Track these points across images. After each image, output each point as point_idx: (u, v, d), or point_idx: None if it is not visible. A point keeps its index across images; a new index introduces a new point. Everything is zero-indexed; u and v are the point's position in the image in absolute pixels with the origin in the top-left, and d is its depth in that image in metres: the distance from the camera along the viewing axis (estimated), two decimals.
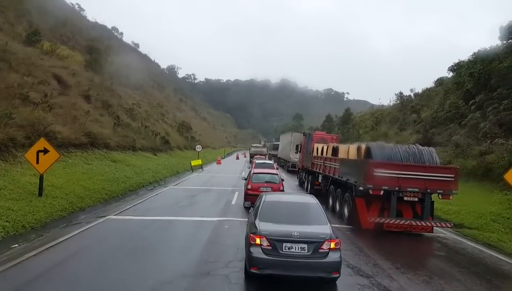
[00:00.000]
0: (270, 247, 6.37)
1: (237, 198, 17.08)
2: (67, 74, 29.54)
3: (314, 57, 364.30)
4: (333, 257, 6.41)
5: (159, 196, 17.27)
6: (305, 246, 6.39)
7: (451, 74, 29.84)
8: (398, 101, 42.65)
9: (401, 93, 41.32)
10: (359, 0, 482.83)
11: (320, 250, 6.39)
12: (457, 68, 27.67)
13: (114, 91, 40.23)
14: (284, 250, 6.37)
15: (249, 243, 6.60)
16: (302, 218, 7.13)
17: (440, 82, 35.54)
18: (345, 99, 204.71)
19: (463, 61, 27.60)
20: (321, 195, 15.47)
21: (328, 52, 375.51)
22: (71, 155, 20.50)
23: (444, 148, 22.84)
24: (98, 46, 60.64)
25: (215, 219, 11.92)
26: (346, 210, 12.78)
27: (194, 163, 33.41)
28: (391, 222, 10.99)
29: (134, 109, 39.57)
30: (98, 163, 21.53)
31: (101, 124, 27.16)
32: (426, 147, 13.00)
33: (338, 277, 6.55)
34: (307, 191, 19.75)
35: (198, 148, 47.11)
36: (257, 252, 6.40)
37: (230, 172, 33.68)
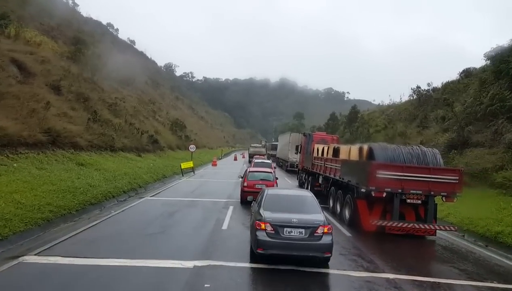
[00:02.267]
0: (273, 232, 7.41)
1: (231, 216, 12.54)
2: (33, 60, 25.00)
3: (313, 57, 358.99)
4: (326, 239, 7.47)
5: (125, 214, 12.73)
6: (303, 230, 7.45)
7: (484, 63, 25.48)
8: (414, 97, 38.14)
9: (418, 87, 36.84)
10: (358, 0, 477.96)
11: (315, 234, 7.44)
12: (495, 54, 23.23)
13: (96, 84, 35.62)
14: (285, 234, 7.42)
15: (255, 228, 7.62)
16: (299, 208, 8.18)
17: (466, 73, 31.10)
18: (345, 99, 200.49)
19: (502, 46, 23.16)
20: (321, 196, 14.79)
21: (328, 52, 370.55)
22: (19, 157, 15.95)
23: (491, 149, 18.39)
24: (85, 38, 56.13)
25: (192, 264, 7.29)
26: (347, 212, 12.52)
27: (184, 165, 28.91)
28: (393, 225, 10.86)
29: (117, 104, 34.96)
30: (56, 167, 16.97)
31: (70, 119, 22.63)
32: (429, 148, 12.63)
33: (330, 256, 7.63)
34: None
35: (192, 148, 42.55)
36: (262, 236, 7.42)
37: (226, 176, 29.21)
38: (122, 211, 13.05)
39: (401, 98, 48.41)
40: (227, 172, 32.83)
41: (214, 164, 41.66)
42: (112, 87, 42.34)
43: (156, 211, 13.19)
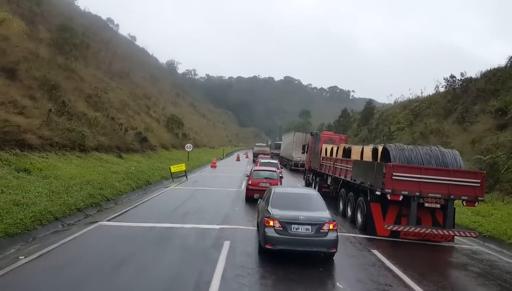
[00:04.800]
0: (281, 228, 7.68)
1: (224, 272, 7.01)
2: None
3: (317, 55, 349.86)
4: (331, 236, 7.78)
5: (40, 263, 7.28)
6: (309, 227, 7.74)
7: None
8: (442, 89, 32.68)
9: (452, 77, 31.23)
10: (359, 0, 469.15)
11: (321, 230, 7.74)
12: None
13: (74, 72, 30.39)
14: (292, 230, 7.70)
15: (263, 225, 7.89)
16: (306, 206, 8.47)
17: None
18: (350, 97, 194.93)
19: None
20: (330, 198, 14.86)
21: (330, 50, 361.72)
22: None
23: None
24: (74, 27, 51.03)
25: None
26: (359, 216, 11.89)
27: (174, 168, 23.65)
28: (410, 230, 10.24)
29: (99, 95, 29.65)
30: None
31: (21, 110, 17.42)
32: (449, 149, 11.91)
33: (335, 252, 7.95)
34: None
35: (189, 147, 37.57)
36: (270, 232, 7.70)
37: (225, 182, 23.96)
38: (39, 256, 7.64)
39: (422, 92, 42.98)
40: (227, 176, 27.52)
41: (214, 166, 36.34)
42: (97, 77, 37.06)
43: (98, 255, 7.82)
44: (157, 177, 22.45)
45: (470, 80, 30.96)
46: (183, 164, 24.71)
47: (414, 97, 42.41)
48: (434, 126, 28.81)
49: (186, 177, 24.36)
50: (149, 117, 43.21)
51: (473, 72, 36.98)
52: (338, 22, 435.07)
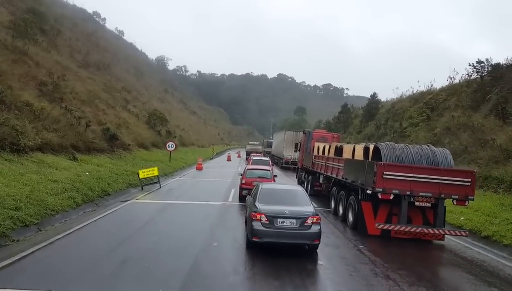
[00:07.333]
0: (267, 222, 8.07)
1: None
2: None
3: (310, 53, 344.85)
4: (315, 229, 8.17)
5: None
6: (294, 220, 8.13)
7: None
8: (471, 76, 27.85)
9: (480, 62, 26.31)
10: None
11: (305, 224, 8.13)
12: None
13: (26, 55, 24.99)
14: (278, 223, 8.09)
15: (251, 219, 8.26)
16: (291, 201, 8.85)
17: None
18: (344, 95, 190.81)
19: None
20: (322, 196, 16.09)
21: (324, 48, 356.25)
22: None
23: None
24: (43, 12, 45.60)
25: None
26: (350, 215, 11.96)
27: (144, 173, 18.57)
28: (401, 229, 10.28)
29: (56, 83, 24.21)
30: None
31: None
32: (439, 148, 11.71)
33: (318, 244, 8.39)
34: (306, 191, 14.90)
35: (170, 146, 32.50)
36: (257, 225, 8.09)
37: (209, 189, 18.99)
38: None
39: (431, 84, 38.34)
40: (213, 182, 22.47)
41: (199, 168, 31.34)
42: (61, 64, 31.63)
43: None
44: (122, 185, 17.36)
45: (501, 66, 26.19)
46: (155, 168, 19.52)
47: (426, 89, 37.57)
48: (461, 120, 24.02)
49: (159, 185, 19.22)
50: (126, 112, 37.82)
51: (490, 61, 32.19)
52: (331, 22, 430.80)
